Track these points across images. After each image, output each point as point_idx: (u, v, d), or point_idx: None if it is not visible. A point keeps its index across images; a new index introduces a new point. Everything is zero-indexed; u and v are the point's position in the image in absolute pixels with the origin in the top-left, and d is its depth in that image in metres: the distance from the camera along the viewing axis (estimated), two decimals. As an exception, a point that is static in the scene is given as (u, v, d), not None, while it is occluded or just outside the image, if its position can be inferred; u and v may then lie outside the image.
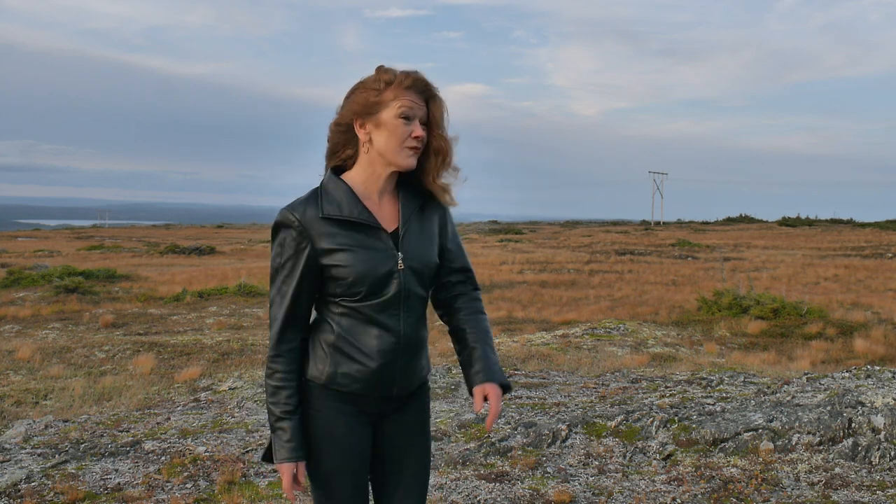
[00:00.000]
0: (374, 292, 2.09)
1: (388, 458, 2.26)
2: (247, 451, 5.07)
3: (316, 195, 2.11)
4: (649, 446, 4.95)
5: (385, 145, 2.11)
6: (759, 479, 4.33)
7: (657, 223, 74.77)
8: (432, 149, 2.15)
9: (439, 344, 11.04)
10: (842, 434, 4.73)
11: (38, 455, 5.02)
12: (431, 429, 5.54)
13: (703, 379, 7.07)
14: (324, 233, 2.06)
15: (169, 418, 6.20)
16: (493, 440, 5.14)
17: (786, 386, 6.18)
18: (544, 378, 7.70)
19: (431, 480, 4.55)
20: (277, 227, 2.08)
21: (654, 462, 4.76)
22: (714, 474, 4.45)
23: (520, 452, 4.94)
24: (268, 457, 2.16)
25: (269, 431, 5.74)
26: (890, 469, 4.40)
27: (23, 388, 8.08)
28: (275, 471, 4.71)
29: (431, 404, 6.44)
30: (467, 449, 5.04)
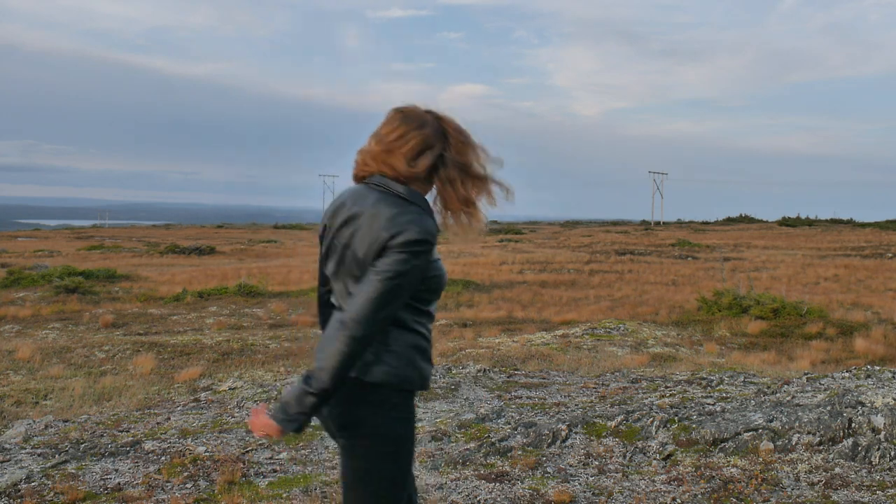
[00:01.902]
0: (438, 297, 2.30)
1: None
2: (247, 451, 5.07)
3: (427, 210, 2.22)
4: (649, 446, 4.95)
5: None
6: (759, 479, 4.33)
7: (657, 223, 74.75)
8: None
9: (439, 344, 11.04)
10: (842, 434, 4.73)
11: (38, 455, 5.02)
12: (432, 429, 5.55)
13: (703, 379, 7.07)
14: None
15: (169, 418, 6.20)
16: (493, 440, 5.14)
17: (786, 386, 6.18)
18: (544, 378, 7.70)
19: (431, 480, 4.55)
20: (423, 242, 2.11)
21: (654, 462, 4.76)
22: (714, 474, 4.45)
23: (520, 452, 4.94)
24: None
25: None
26: (890, 469, 4.40)
27: (23, 388, 8.08)
28: (275, 470, 4.71)
29: (431, 404, 6.45)
30: (467, 449, 5.03)
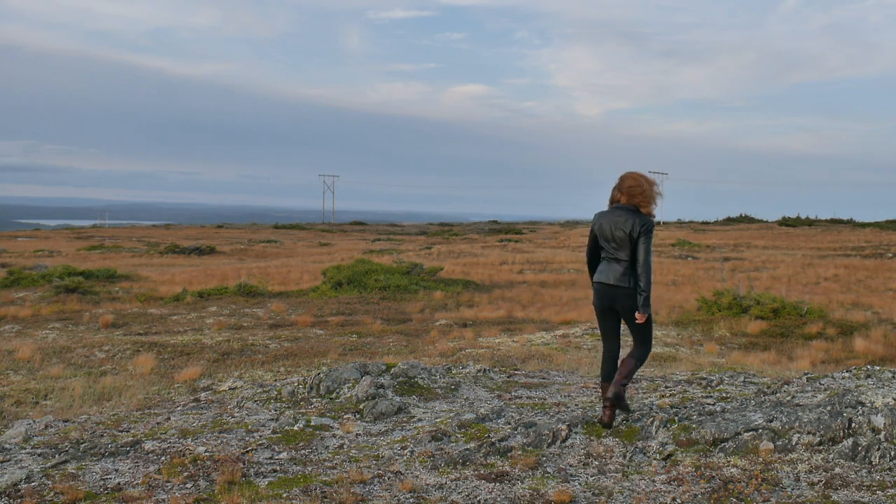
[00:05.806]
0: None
1: None
2: (247, 451, 5.07)
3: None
4: (649, 446, 4.95)
5: None
6: (759, 479, 4.33)
7: (657, 223, 74.76)
8: None
9: (439, 343, 11.03)
10: (842, 434, 4.73)
11: (38, 455, 5.02)
12: (432, 428, 5.55)
13: (703, 379, 7.07)
14: None
15: (169, 418, 6.20)
16: (493, 440, 5.14)
17: (786, 386, 6.18)
18: (544, 378, 7.70)
19: (431, 480, 4.55)
20: (653, 225, 5.09)
21: (654, 462, 4.76)
22: (714, 474, 4.45)
23: (520, 452, 4.94)
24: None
25: (268, 432, 5.74)
26: (890, 469, 4.40)
27: (23, 388, 8.09)
28: (275, 470, 4.72)
29: (431, 404, 6.45)
30: (467, 449, 5.04)
